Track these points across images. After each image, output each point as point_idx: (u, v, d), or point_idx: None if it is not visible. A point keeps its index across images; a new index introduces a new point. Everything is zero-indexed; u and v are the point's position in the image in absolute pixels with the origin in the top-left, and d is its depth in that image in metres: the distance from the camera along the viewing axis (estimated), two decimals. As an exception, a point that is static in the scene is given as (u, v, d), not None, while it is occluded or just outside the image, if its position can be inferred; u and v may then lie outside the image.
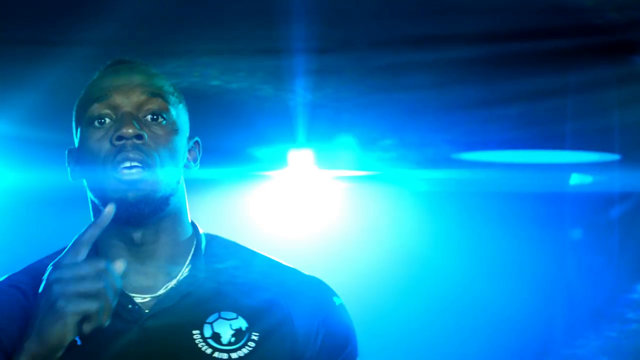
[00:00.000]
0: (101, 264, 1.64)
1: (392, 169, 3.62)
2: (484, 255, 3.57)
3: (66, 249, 1.70)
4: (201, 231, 1.92)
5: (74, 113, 1.90)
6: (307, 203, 3.74)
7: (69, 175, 1.90)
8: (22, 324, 1.76)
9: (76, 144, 1.89)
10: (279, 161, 3.66)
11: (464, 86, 3.16)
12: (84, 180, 1.86)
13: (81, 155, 1.85)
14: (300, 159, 3.66)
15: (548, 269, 3.57)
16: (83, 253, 1.65)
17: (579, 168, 3.45)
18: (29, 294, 1.81)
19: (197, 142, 1.94)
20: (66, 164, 1.91)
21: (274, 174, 3.73)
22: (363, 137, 3.52)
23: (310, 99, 3.32)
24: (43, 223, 3.48)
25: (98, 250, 1.84)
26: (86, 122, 1.83)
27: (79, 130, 1.87)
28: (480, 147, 3.43)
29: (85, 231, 1.68)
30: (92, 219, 1.85)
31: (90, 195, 1.85)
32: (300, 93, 3.30)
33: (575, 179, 3.48)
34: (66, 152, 1.92)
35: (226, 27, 2.91)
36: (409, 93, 3.25)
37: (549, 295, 3.55)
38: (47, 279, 1.64)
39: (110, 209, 1.69)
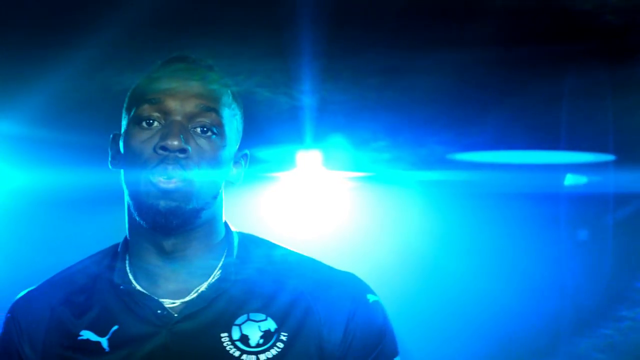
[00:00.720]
0: None
1: (401, 170, 3.63)
2: (490, 256, 3.59)
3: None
4: (233, 229, 1.91)
5: (126, 100, 1.87)
6: (316, 204, 3.75)
7: (109, 162, 1.88)
8: (46, 338, 1.81)
9: (121, 132, 1.86)
10: (287, 162, 3.67)
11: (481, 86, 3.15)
12: (122, 171, 1.84)
13: (123, 149, 1.83)
14: (309, 160, 3.66)
15: (544, 269, 3.58)
16: None
17: (575, 169, 3.46)
18: (56, 308, 1.85)
19: (245, 155, 1.91)
20: (108, 149, 1.89)
21: (283, 175, 3.74)
22: (372, 138, 3.52)
23: (315, 102, 3.33)
24: (51, 224, 3.50)
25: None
26: (134, 118, 1.80)
27: (125, 121, 1.84)
28: (496, 146, 3.44)
29: None
30: (126, 218, 1.86)
31: (125, 191, 1.84)
32: (304, 96, 3.31)
33: (571, 179, 3.49)
34: (110, 136, 1.89)
35: (226, 31, 2.92)
36: (416, 95, 3.26)
37: (545, 294, 3.57)
38: None
39: None
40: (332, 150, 3.62)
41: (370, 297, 1.87)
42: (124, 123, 1.86)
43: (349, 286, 1.87)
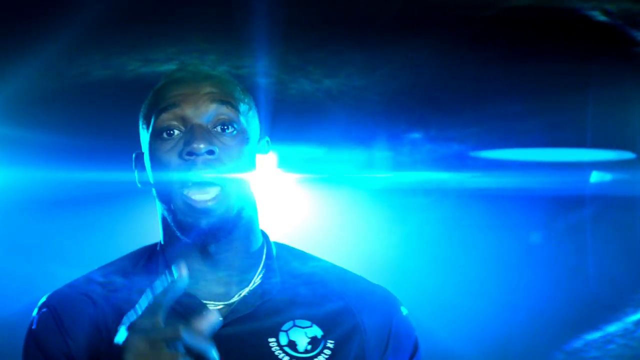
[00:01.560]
0: (178, 331, 1.54)
1: (358, 171, 3.61)
2: (455, 259, 3.58)
3: (142, 308, 1.63)
4: (271, 239, 1.94)
5: (140, 118, 1.87)
6: (272, 206, 3.71)
7: (137, 181, 1.88)
8: (89, 331, 1.78)
9: (143, 149, 1.86)
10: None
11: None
12: (153, 190, 1.83)
13: (150, 165, 1.83)
14: (264, 162, 3.61)
15: (549, 272, 3.57)
16: (161, 316, 1.57)
17: (597, 167, 3.44)
18: (97, 302, 1.81)
19: (267, 142, 1.93)
20: (133, 168, 1.89)
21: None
22: (329, 138, 3.50)
23: (269, 101, 3.28)
24: (27, 226, 3.37)
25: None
26: (154, 132, 1.80)
27: (146, 138, 1.84)
28: (488, 146, 3.43)
29: (164, 294, 1.59)
30: (161, 227, 1.85)
31: (159, 206, 1.83)
32: (257, 93, 3.25)
33: (595, 177, 3.46)
34: (133, 155, 1.89)
35: (209, 22, 2.87)
36: (383, 91, 3.25)
37: (548, 299, 3.56)
38: (123, 341, 1.56)
39: (184, 273, 1.61)
40: (288, 152, 3.59)
41: (403, 310, 1.92)
42: (144, 141, 1.85)
43: (387, 299, 1.92)
